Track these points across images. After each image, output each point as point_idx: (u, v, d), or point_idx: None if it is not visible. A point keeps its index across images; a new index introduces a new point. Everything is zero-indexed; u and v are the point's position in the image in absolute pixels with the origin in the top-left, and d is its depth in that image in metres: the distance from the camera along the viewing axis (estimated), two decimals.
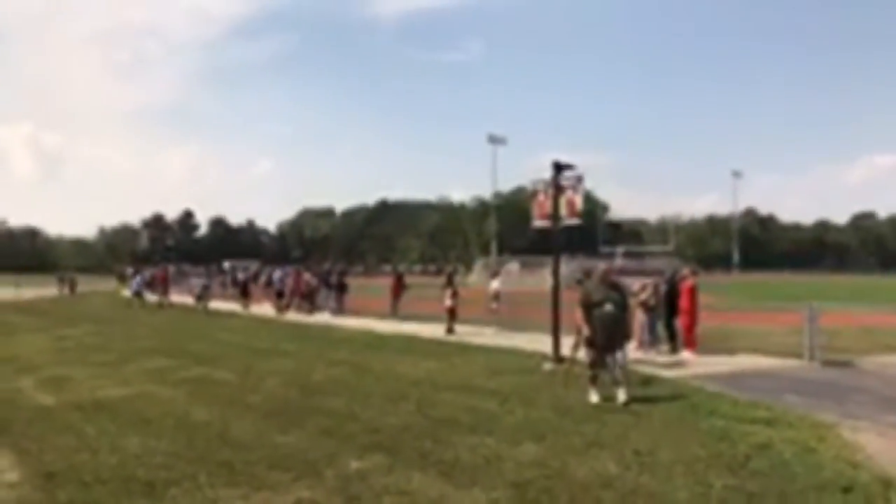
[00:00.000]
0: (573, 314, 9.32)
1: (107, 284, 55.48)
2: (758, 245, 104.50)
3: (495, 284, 17.34)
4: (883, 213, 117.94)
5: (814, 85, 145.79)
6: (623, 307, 8.74)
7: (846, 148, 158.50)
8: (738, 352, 12.92)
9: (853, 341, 14.04)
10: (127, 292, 35.73)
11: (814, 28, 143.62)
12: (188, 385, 10.20)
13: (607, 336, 8.50)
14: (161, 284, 32.86)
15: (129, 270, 49.22)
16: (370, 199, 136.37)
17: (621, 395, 8.28)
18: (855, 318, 17.37)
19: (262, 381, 10.26)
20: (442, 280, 18.28)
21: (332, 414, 7.92)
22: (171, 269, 46.81)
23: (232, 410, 8.25)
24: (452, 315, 16.88)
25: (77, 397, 9.44)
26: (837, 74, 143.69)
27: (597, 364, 8.59)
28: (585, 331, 8.70)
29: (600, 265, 9.91)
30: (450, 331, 16.62)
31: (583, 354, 9.46)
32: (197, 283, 31.95)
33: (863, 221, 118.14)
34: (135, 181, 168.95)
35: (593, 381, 8.57)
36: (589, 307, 8.64)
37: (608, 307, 8.51)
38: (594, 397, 8.42)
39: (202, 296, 28.07)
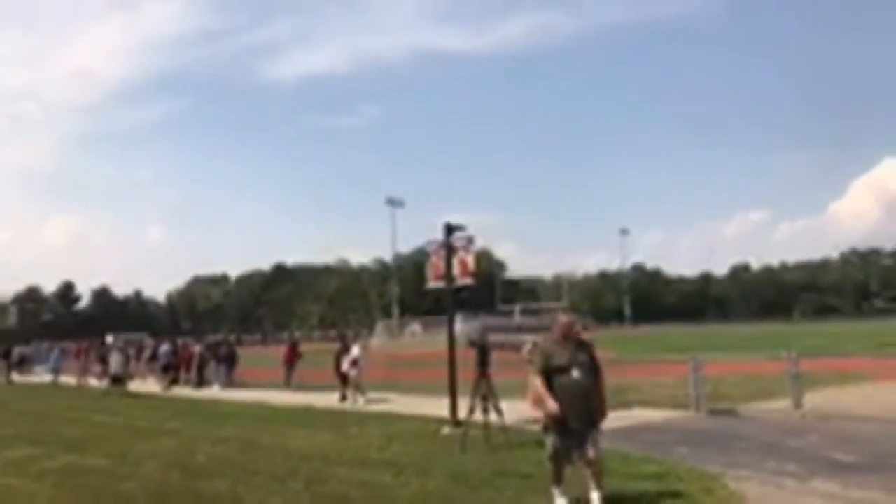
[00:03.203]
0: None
1: None
2: (647, 299, 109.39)
3: (355, 351, 16.90)
4: (756, 264, 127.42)
5: (690, 145, 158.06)
6: (595, 372, 6.41)
7: (723, 204, 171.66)
8: (631, 405, 13.19)
9: (735, 389, 14.71)
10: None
11: (687, 92, 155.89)
12: (54, 476, 9.20)
13: (576, 413, 6.17)
14: (82, 360, 30.22)
15: None
16: (266, 264, 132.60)
17: (595, 499, 6.27)
18: (736, 366, 18.27)
19: (140, 466, 9.46)
20: (337, 346, 17.80)
21: (213, 498, 7.37)
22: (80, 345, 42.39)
23: (101, 503, 7.51)
24: (346, 381, 16.38)
25: None
26: (712, 134, 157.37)
27: (561, 454, 6.37)
28: (551, 405, 6.17)
29: (561, 317, 6.81)
30: (344, 398, 16.20)
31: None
32: (115, 360, 23.33)
33: (740, 273, 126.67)
34: (10, 254, 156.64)
35: (557, 478, 6.47)
36: (548, 374, 6.33)
37: (576, 374, 6.24)
38: (561, 501, 6.43)
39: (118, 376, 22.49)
